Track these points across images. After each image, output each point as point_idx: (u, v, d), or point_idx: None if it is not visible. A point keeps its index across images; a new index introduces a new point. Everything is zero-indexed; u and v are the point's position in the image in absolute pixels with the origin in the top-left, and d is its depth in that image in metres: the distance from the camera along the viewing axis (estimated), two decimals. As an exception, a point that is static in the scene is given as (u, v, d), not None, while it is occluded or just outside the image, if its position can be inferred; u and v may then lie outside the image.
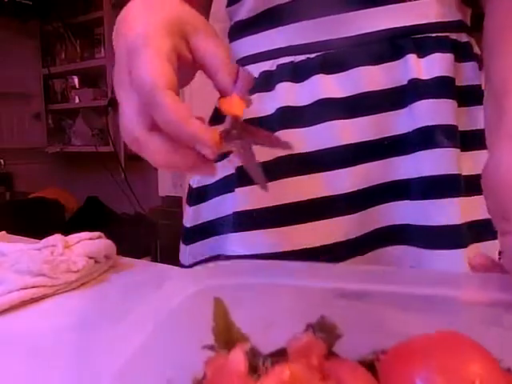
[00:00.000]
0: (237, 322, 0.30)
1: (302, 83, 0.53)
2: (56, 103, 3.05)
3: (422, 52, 0.51)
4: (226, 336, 0.29)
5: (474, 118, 0.53)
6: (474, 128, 0.53)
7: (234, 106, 0.34)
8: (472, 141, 0.51)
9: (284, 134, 0.52)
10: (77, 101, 2.92)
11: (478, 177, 0.52)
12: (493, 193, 0.30)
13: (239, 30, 0.58)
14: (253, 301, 0.32)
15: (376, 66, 0.51)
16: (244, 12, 0.56)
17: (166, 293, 0.31)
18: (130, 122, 0.32)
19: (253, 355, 0.27)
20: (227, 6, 0.59)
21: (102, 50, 2.76)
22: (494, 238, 0.53)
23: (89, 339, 0.34)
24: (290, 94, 0.53)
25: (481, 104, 0.53)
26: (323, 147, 0.51)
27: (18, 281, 0.55)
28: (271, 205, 0.52)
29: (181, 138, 0.31)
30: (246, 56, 0.58)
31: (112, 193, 2.68)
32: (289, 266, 0.33)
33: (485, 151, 0.53)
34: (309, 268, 0.33)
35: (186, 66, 0.35)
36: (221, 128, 0.34)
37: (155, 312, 0.29)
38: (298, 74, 0.53)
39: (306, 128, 0.52)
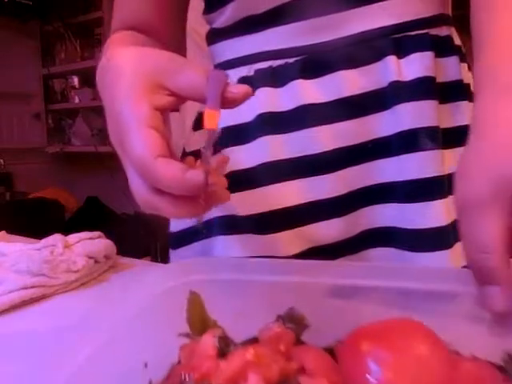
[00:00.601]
0: (212, 315, 0.32)
1: (281, 88, 0.52)
2: (56, 103, 3.05)
3: (402, 52, 0.50)
4: (201, 326, 0.31)
5: (456, 115, 0.53)
6: (457, 124, 0.52)
7: (206, 121, 0.33)
8: (455, 138, 0.51)
9: (266, 140, 0.52)
10: (77, 101, 2.91)
11: None
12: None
13: (217, 35, 0.58)
14: (227, 295, 0.34)
15: (356, 70, 0.50)
16: (222, 20, 0.55)
17: (146, 286, 0.34)
18: (137, 189, 0.34)
19: (225, 344, 0.29)
20: (204, 13, 0.59)
21: (102, 50, 2.76)
22: None
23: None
24: (270, 100, 0.52)
25: (463, 99, 0.53)
26: (306, 153, 0.51)
27: (18, 281, 0.55)
28: (256, 212, 0.52)
29: (186, 194, 0.31)
30: (224, 61, 0.58)
31: (112, 193, 2.67)
32: (263, 262, 0.36)
33: None
34: (281, 264, 0.36)
35: (173, 106, 0.35)
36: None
37: (135, 302, 0.32)
38: (276, 78, 0.53)
39: (289, 134, 0.52)
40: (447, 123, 0.52)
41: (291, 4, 0.51)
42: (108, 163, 2.68)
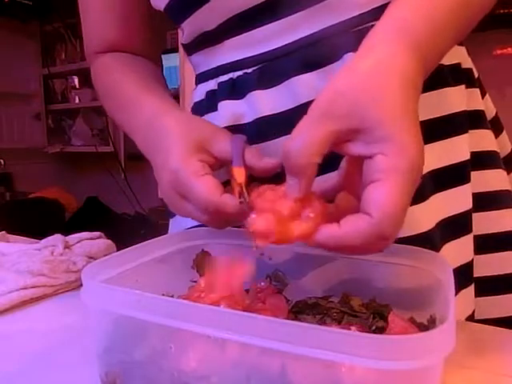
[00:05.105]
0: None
1: (241, 100, 0.52)
2: (56, 103, 3.05)
3: None
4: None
5: (430, 106, 0.50)
6: (432, 117, 0.50)
7: (237, 177, 0.41)
8: (434, 132, 0.49)
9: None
10: (77, 101, 2.92)
11: (445, 169, 0.51)
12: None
13: (187, 49, 0.59)
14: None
15: (313, 73, 0.48)
16: (185, 37, 0.56)
17: (160, 242, 0.45)
18: (205, 219, 0.42)
19: None
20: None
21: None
22: (467, 232, 0.52)
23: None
24: (231, 112, 0.52)
25: (432, 89, 0.50)
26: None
27: (18, 281, 0.55)
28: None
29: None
30: (199, 74, 0.58)
31: (112, 193, 2.67)
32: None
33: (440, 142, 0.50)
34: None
35: (211, 167, 0.43)
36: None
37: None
38: (236, 90, 0.52)
39: (254, 146, 0.50)
40: (423, 115, 0.48)
41: (240, 16, 0.49)
42: (108, 163, 2.69)
